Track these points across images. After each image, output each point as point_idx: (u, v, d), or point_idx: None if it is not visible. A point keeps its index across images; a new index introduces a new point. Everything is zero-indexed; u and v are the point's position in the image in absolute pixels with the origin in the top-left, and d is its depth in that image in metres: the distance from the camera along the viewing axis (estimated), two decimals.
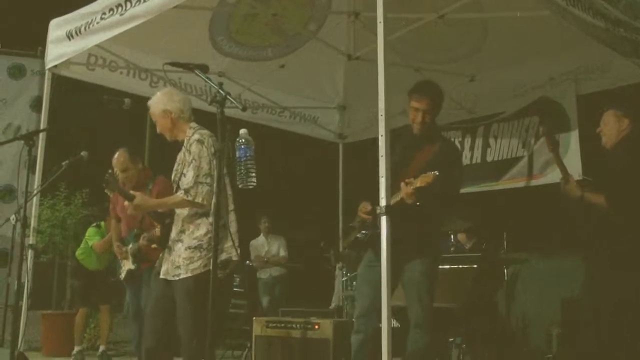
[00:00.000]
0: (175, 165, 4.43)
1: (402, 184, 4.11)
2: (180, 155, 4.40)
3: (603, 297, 4.52)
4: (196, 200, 4.16)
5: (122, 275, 5.68)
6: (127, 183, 5.41)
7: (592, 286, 4.66)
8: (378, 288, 4.14)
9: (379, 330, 3.78)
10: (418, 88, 4.59)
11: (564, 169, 4.94)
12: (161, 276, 4.33)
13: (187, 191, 4.16)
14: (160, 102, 4.46)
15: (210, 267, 3.98)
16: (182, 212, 4.32)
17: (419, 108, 4.50)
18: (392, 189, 3.91)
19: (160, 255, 4.47)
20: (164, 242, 4.41)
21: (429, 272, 4.43)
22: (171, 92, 4.58)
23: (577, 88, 6.57)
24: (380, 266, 4.10)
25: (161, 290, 4.36)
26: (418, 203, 4.10)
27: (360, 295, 4.54)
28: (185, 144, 4.36)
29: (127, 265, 5.57)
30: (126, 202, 4.34)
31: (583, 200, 4.65)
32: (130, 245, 5.46)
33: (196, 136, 4.30)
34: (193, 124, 4.43)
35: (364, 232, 4.58)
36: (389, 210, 3.45)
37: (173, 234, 4.35)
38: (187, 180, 4.20)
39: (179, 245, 4.27)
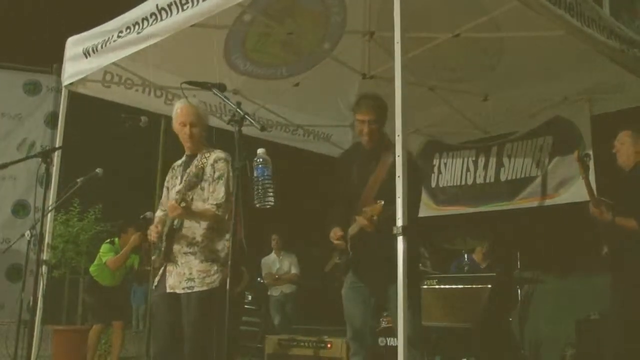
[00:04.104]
0: (186, 176, 4.38)
1: (358, 217, 4.14)
2: (191, 169, 4.39)
3: (629, 320, 4.50)
4: (223, 216, 4.22)
5: None
6: None
7: (618, 308, 4.63)
8: (366, 308, 4.44)
9: (375, 347, 3.82)
10: (360, 102, 4.58)
11: (592, 193, 4.91)
12: (168, 290, 4.28)
13: (218, 206, 4.22)
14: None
15: (225, 282, 4.02)
16: (193, 225, 4.30)
17: (364, 120, 4.46)
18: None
19: (160, 270, 4.41)
20: (167, 256, 4.34)
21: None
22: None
23: (591, 108, 6.56)
24: (363, 286, 4.44)
25: (170, 306, 4.30)
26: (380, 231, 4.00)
27: (350, 317, 4.52)
28: (199, 159, 4.38)
29: None
30: (173, 201, 4.19)
31: (613, 224, 4.64)
32: None
33: (222, 155, 4.36)
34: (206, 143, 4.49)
35: (341, 256, 4.55)
36: (406, 230, 3.43)
37: (180, 246, 4.31)
38: (218, 196, 4.25)
39: (191, 257, 4.25)
